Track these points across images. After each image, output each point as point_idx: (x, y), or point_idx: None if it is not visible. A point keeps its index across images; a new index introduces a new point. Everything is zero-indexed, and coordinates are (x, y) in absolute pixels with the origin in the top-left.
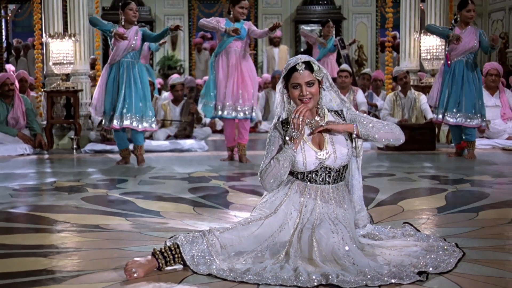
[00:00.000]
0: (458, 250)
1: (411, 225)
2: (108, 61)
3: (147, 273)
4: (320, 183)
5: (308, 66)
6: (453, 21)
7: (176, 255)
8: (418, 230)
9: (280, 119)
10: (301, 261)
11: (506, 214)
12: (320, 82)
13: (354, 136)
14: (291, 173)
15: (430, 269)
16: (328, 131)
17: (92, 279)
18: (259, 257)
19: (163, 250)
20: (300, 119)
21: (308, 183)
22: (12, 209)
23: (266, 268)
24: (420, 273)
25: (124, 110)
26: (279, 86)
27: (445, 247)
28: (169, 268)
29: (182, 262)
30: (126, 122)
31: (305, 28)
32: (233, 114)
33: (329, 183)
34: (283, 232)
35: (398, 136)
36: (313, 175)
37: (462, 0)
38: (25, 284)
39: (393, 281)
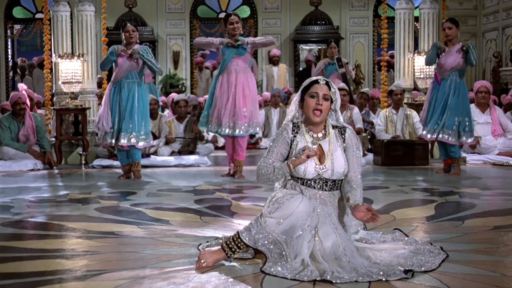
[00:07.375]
0: (442, 253)
1: (401, 231)
2: (111, 80)
3: (215, 263)
4: (318, 189)
5: (327, 84)
6: (444, 41)
7: (239, 243)
8: (407, 236)
9: (291, 122)
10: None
11: (490, 222)
12: (331, 103)
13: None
14: (292, 176)
15: (416, 268)
16: None
17: (113, 277)
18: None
19: (228, 242)
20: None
21: (308, 188)
22: (31, 218)
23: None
24: (406, 271)
25: (129, 129)
26: (296, 98)
27: (431, 250)
28: (237, 256)
29: (245, 247)
30: (132, 141)
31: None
32: (228, 131)
33: (325, 190)
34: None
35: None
36: (312, 182)
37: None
38: (53, 281)
39: (381, 278)
